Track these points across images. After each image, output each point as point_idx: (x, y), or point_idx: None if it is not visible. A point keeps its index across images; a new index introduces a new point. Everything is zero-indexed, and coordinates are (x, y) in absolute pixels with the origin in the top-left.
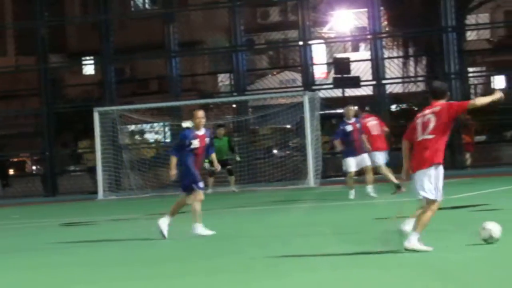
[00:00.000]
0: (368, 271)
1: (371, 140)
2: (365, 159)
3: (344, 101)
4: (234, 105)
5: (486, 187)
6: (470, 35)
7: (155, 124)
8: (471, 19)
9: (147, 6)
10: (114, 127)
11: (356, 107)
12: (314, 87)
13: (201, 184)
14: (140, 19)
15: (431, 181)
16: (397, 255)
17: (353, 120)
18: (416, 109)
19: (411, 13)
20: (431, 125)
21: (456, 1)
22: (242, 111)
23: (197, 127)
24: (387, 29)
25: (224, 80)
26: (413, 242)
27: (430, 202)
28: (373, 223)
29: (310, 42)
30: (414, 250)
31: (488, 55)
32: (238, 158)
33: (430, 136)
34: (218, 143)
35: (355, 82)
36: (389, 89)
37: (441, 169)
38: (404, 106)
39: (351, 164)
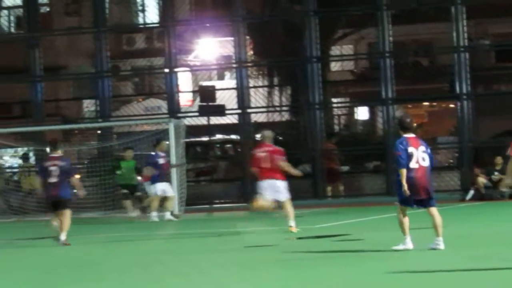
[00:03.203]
0: None
1: None
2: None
3: (209, 129)
4: (98, 131)
5: (348, 217)
6: (335, 66)
7: (19, 149)
8: (335, 50)
9: (12, 29)
10: None
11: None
12: (179, 115)
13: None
14: (4, 43)
15: None
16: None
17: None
18: (280, 138)
19: (276, 42)
20: None
21: (320, 31)
22: (106, 137)
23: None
24: (252, 58)
25: (89, 106)
26: None
27: None
28: (244, 250)
29: (175, 69)
30: None
31: (351, 86)
32: None
33: None
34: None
35: (220, 110)
36: (254, 118)
37: None
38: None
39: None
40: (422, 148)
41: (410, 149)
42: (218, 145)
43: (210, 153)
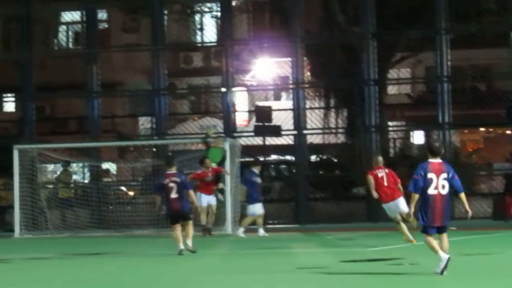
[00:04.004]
0: None
1: None
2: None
3: (264, 150)
4: (154, 149)
5: (402, 241)
6: (392, 89)
7: (74, 164)
8: (392, 73)
9: (70, 45)
10: (33, 165)
11: None
12: (235, 134)
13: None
14: (62, 58)
15: None
16: None
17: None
18: (335, 160)
19: (333, 64)
20: None
21: (378, 54)
22: (162, 155)
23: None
24: (309, 79)
25: (145, 123)
26: None
27: None
28: (295, 271)
29: (232, 89)
30: None
31: (408, 110)
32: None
33: None
34: None
35: (276, 131)
36: (310, 139)
37: None
38: (323, 157)
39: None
40: (444, 175)
41: (430, 175)
42: (272, 166)
43: (264, 173)
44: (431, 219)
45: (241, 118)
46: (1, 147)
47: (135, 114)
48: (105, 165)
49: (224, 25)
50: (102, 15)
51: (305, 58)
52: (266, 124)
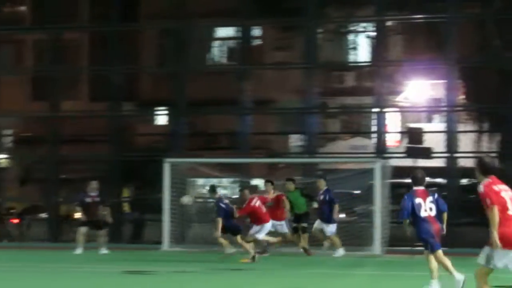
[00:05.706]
0: None
1: None
2: None
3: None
4: (303, 166)
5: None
6: None
7: (224, 180)
8: None
9: (223, 61)
10: (182, 179)
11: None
12: (385, 155)
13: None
14: (215, 74)
15: None
16: None
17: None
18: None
19: (487, 88)
20: None
21: None
22: (310, 173)
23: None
24: (462, 102)
25: (295, 141)
26: None
27: None
28: None
29: (385, 109)
30: None
31: None
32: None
33: None
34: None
35: (427, 153)
36: (461, 162)
37: None
38: (475, 181)
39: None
40: (430, 199)
41: (418, 200)
42: None
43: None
44: (434, 235)
45: (392, 139)
46: (153, 160)
47: (286, 131)
48: (254, 181)
49: (378, 46)
50: (256, 32)
51: (459, 81)
52: (417, 146)
